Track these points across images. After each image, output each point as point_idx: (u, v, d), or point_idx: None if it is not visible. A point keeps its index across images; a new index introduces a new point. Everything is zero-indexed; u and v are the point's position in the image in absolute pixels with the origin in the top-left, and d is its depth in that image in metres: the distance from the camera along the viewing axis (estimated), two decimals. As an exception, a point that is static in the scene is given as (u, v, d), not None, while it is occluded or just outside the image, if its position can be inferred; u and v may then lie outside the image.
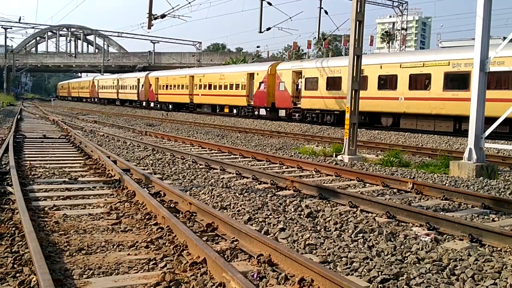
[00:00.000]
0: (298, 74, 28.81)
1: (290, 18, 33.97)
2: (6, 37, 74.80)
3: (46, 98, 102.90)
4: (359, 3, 12.98)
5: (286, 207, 6.74)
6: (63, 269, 4.14)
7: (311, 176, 9.82)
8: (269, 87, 30.62)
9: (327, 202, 7.21)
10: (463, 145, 15.73)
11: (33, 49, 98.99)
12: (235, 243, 4.85)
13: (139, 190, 6.93)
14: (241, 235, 4.91)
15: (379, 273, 4.15)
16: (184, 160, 11.42)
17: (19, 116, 28.59)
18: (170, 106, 44.41)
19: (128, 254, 4.59)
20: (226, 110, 36.05)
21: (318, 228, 5.69)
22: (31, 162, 10.23)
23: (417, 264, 4.53)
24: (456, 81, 20.20)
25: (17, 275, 3.99)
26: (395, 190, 8.33)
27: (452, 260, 4.61)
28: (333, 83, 25.73)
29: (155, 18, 26.08)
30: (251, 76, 32.82)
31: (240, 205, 6.69)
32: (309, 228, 5.60)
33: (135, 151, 13.28)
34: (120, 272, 4.13)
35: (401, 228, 5.90)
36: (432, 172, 10.62)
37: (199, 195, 7.47)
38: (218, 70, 38.71)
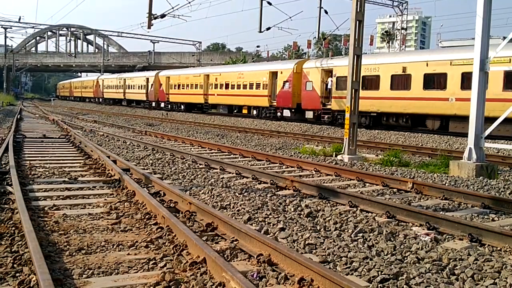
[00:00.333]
0: (328, 72, 26.72)
1: (290, 17, 33.94)
2: (6, 37, 74.88)
3: (46, 98, 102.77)
4: (359, 2, 12.97)
5: (286, 206, 6.74)
6: (62, 268, 4.14)
7: (311, 175, 9.82)
8: (295, 87, 28.49)
9: (327, 201, 7.21)
10: (463, 144, 15.73)
11: (33, 48, 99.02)
12: (235, 242, 4.85)
13: (139, 189, 6.93)
14: (241, 234, 4.91)
15: (379, 272, 4.15)
16: (184, 160, 11.42)
17: (19, 116, 28.58)
18: (182, 107, 42.32)
19: (128, 254, 4.59)
20: (245, 111, 34.14)
21: (318, 227, 5.69)
22: (31, 161, 10.23)
23: (417, 264, 4.53)
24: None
25: (17, 274, 3.99)
26: (395, 189, 8.33)
27: (452, 260, 4.61)
28: (370, 82, 23.51)
29: (155, 18, 26.07)
30: (273, 74, 30.64)
31: (240, 205, 6.69)
32: (309, 228, 5.60)
33: (135, 150, 13.28)
34: (120, 272, 4.13)
35: (401, 227, 5.89)
36: (432, 172, 10.62)
37: (199, 195, 7.47)
38: (236, 69, 36.53)
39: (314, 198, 7.44)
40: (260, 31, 33.49)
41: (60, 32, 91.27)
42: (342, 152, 12.93)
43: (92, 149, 11.76)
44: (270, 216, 6.09)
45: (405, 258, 4.69)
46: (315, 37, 49.55)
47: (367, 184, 8.84)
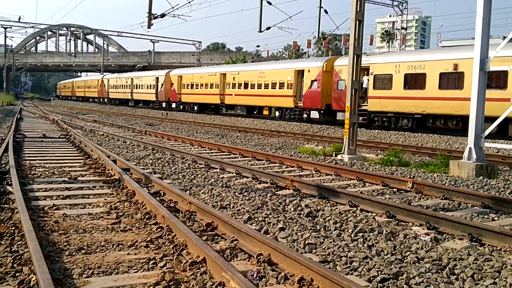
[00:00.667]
0: (363, 70, 25.11)
1: (290, 17, 33.91)
2: (5, 37, 74.91)
3: (46, 97, 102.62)
4: (359, 2, 12.97)
5: (285, 206, 6.74)
6: (62, 268, 4.13)
7: (310, 175, 9.82)
8: (324, 86, 26.32)
9: (326, 201, 7.21)
10: (463, 144, 15.73)
11: (33, 48, 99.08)
12: (235, 242, 4.85)
13: (138, 189, 6.93)
14: (241, 234, 4.90)
15: (379, 272, 4.15)
16: (184, 160, 11.42)
17: (18, 116, 28.58)
18: (196, 107, 40.09)
19: (128, 254, 4.59)
20: (266, 112, 32.01)
21: (318, 227, 5.69)
22: (31, 161, 10.23)
23: (416, 264, 4.53)
24: None
25: (17, 274, 3.99)
26: (395, 189, 8.33)
27: (451, 260, 4.61)
28: (414, 81, 21.68)
29: (155, 18, 26.06)
30: (299, 73, 28.55)
31: (240, 205, 6.69)
32: (309, 228, 5.60)
33: (134, 150, 13.28)
34: (120, 272, 4.13)
35: (400, 227, 5.89)
36: (432, 172, 10.62)
37: (198, 195, 7.47)
38: (257, 67, 34.13)
39: (314, 197, 7.44)
40: (260, 31, 33.45)
41: (60, 31, 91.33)
42: (342, 152, 12.93)
43: (92, 149, 11.76)
44: (270, 216, 6.09)
45: (405, 257, 4.69)
46: (315, 37, 49.61)
47: (367, 184, 8.84)
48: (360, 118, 23.56)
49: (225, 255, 4.51)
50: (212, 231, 5.31)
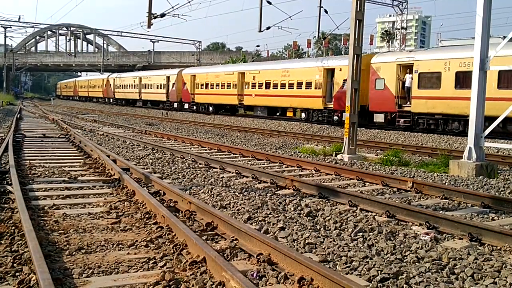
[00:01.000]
0: (405, 68, 22.74)
1: (290, 17, 33.89)
2: (5, 36, 74.89)
3: (46, 97, 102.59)
4: (359, 2, 12.97)
5: (285, 206, 6.74)
6: (62, 268, 4.14)
7: (310, 175, 9.82)
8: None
9: (326, 201, 7.21)
10: (463, 144, 15.73)
11: (33, 48, 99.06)
12: (235, 242, 4.85)
13: (138, 189, 6.93)
14: (241, 234, 4.91)
15: (379, 272, 4.15)
16: (184, 159, 11.42)
17: (18, 115, 28.58)
18: (210, 108, 37.82)
19: (128, 253, 4.59)
20: (290, 113, 30.08)
21: (318, 227, 5.69)
22: (31, 161, 10.23)
23: (416, 263, 4.53)
24: None
25: (17, 274, 3.99)
26: (394, 189, 8.33)
27: (451, 259, 4.61)
28: (467, 79, 18.46)
29: (155, 17, 26.07)
30: (329, 72, 26.55)
31: (240, 204, 6.69)
32: (309, 227, 5.60)
33: (134, 150, 13.29)
34: (120, 271, 4.13)
35: (400, 227, 5.90)
36: (432, 171, 10.62)
37: (198, 194, 7.47)
38: (280, 66, 31.64)
39: (314, 197, 7.44)
40: (260, 31, 33.45)
41: (60, 31, 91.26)
42: (342, 151, 12.93)
43: (92, 149, 11.76)
44: (270, 216, 6.09)
45: (405, 257, 4.69)
46: (315, 37, 49.68)
47: (367, 184, 8.84)
48: (402, 120, 22.24)
49: (225, 255, 4.52)
50: (212, 231, 5.31)
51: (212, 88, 37.40)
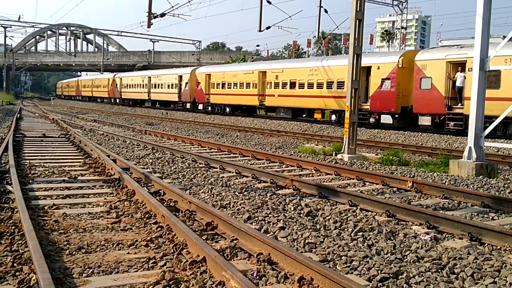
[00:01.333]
0: (457, 66, 20.38)
1: (290, 16, 33.90)
2: (5, 36, 74.92)
3: (46, 97, 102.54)
4: (359, 2, 12.96)
5: (285, 206, 6.74)
6: (62, 267, 4.14)
7: (310, 175, 9.82)
8: (399, 85, 22.13)
9: (326, 201, 7.21)
10: (463, 144, 15.72)
11: (33, 48, 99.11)
12: (235, 241, 4.85)
13: (138, 189, 6.93)
14: (241, 233, 4.91)
15: (379, 271, 4.15)
16: (184, 159, 11.42)
17: (18, 115, 28.57)
18: (227, 109, 35.21)
19: (128, 253, 4.59)
20: (317, 115, 27.59)
21: (318, 227, 5.70)
22: (31, 161, 10.23)
23: (416, 263, 4.53)
24: None
25: (17, 274, 3.99)
26: (394, 189, 8.33)
27: (451, 259, 4.61)
28: None
29: (155, 17, 26.10)
30: (364, 70, 22.61)
31: (240, 204, 6.69)
32: (309, 227, 5.60)
33: (134, 150, 13.28)
34: (120, 271, 4.13)
35: (400, 227, 5.90)
36: (432, 171, 10.62)
37: (198, 194, 7.47)
38: (306, 64, 28.93)
39: (314, 197, 7.44)
40: (260, 30, 33.44)
41: (60, 31, 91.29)
42: (342, 151, 12.93)
43: (92, 148, 11.76)
44: (270, 215, 6.09)
45: (405, 257, 4.70)
46: (315, 36, 49.72)
47: (367, 183, 8.84)
48: (452, 123, 20.10)
49: (225, 254, 4.52)
50: (212, 231, 5.32)
51: (230, 88, 34.91)
